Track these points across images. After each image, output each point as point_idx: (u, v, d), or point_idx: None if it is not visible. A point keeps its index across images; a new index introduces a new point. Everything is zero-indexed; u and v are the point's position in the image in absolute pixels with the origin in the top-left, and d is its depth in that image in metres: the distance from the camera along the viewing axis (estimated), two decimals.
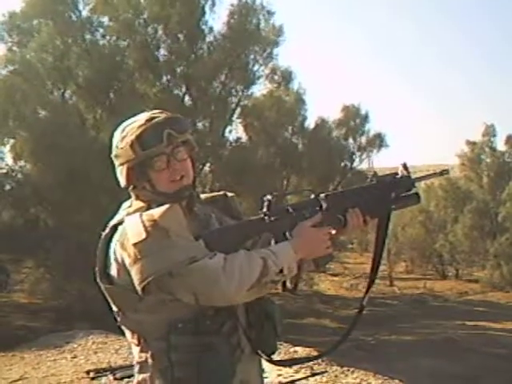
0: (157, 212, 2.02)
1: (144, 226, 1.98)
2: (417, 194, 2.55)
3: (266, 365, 2.40)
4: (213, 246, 2.09)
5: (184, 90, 17.94)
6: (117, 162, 2.20)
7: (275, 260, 2.07)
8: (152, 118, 2.23)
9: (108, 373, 7.07)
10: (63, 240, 13.83)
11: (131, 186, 2.19)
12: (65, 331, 10.08)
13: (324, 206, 2.32)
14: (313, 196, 2.36)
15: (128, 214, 2.11)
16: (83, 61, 15.76)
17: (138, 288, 1.98)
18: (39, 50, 15.24)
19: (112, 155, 2.23)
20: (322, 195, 2.34)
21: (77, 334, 9.50)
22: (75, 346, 8.83)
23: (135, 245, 1.97)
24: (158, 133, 2.16)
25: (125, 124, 2.28)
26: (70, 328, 10.34)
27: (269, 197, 2.27)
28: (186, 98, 18.08)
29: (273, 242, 2.24)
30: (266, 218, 2.24)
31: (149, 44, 17.29)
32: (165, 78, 17.82)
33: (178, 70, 17.82)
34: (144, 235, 1.96)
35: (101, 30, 17.10)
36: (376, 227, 2.49)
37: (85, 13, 16.89)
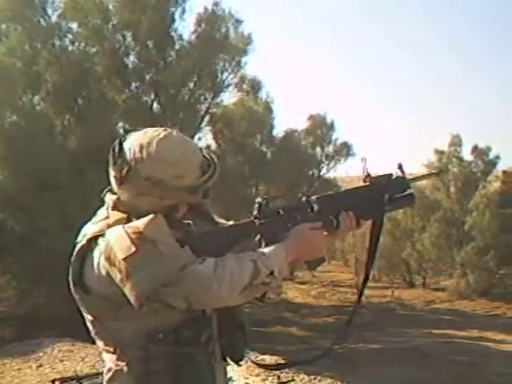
0: (141, 223, 2.02)
1: (131, 239, 1.97)
2: (411, 194, 2.54)
3: (233, 373, 2.42)
4: (202, 249, 2.10)
5: (153, 96, 17.89)
6: (150, 171, 2.10)
7: (265, 262, 2.09)
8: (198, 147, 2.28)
9: (74, 382, 7.02)
10: (30, 246, 13.70)
11: (117, 195, 2.15)
12: (30, 339, 9.96)
13: (316, 208, 2.32)
14: (304, 198, 2.36)
15: (109, 226, 2.08)
16: (52, 66, 15.65)
17: (135, 303, 1.97)
18: (8, 54, 15.10)
19: (144, 159, 2.11)
20: (314, 197, 2.35)
21: (42, 343, 9.39)
22: (41, 354, 8.73)
23: (125, 259, 1.96)
24: (213, 163, 2.21)
25: (180, 136, 2.22)
26: (36, 336, 10.21)
27: (260, 200, 2.26)
28: (155, 104, 18.03)
29: (263, 244, 2.23)
30: (256, 220, 2.23)
31: (118, 51, 17.23)
32: (134, 85, 17.77)
33: (147, 76, 17.77)
34: (133, 249, 1.96)
35: (70, 36, 17.00)
36: (370, 229, 2.50)
37: (54, 18, 16.78)
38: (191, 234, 2.17)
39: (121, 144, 2.15)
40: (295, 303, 23.66)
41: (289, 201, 2.39)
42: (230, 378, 2.46)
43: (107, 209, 2.20)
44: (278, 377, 7.04)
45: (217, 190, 2.23)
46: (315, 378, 7.23)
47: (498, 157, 28.19)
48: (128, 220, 2.09)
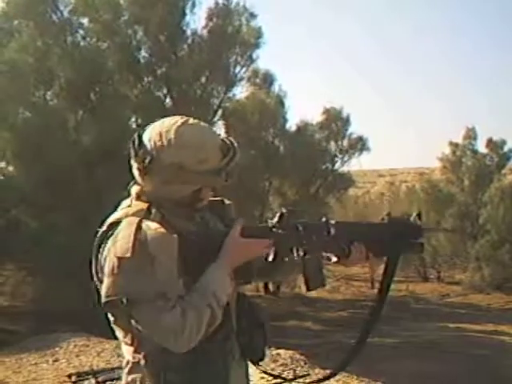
0: (152, 234, 1.99)
1: (134, 243, 1.95)
2: (422, 244, 2.55)
3: (249, 368, 2.40)
4: (211, 247, 2.11)
5: (165, 91, 17.91)
6: (170, 157, 2.10)
7: (218, 303, 2.05)
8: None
9: (90, 376, 7.04)
10: (44, 242, 13.74)
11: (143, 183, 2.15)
12: (46, 334, 10.00)
13: (332, 232, 2.31)
14: (324, 219, 2.35)
15: (126, 215, 2.08)
16: (64, 62, 15.67)
17: (102, 300, 1.95)
18: (20, 50, 15.13)
19: (162, 144, 2.11)
20: (333, 221, 2.34)
21: (58, 338, 9.43)
22: (57, 349, 8.76)
23: (118, 258, 1.95)
24: (232, 145, 2.22)
25: (198, 122, 2.24)
26: (52, 331, 10.25)
27: (284, 210, 2.26)
28: (167, 99, 18.05)
29: (272, 254, 2.22)
30: (274, 229, 2.21)
31: (129, 45, 17.25)
32: (146, 80, 17.79)
33: (159, 71, 17.79)
34: (129, 253, 1.94)
35: (81, 32, 17.03)
36: (384, 269, 2.50)
37: (66, 13, 16.80)
38: (204, 231, 2.17)
39: (140, 137, 2.15)
40: (309, 297, 23.60)
41: (308, 217, 2.38)
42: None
43: (131, 200, 2.21)
44: (294, 370, 7.04)
45: (229, 183, 2.22)
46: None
47: None
48: (148, 211, 2.08)
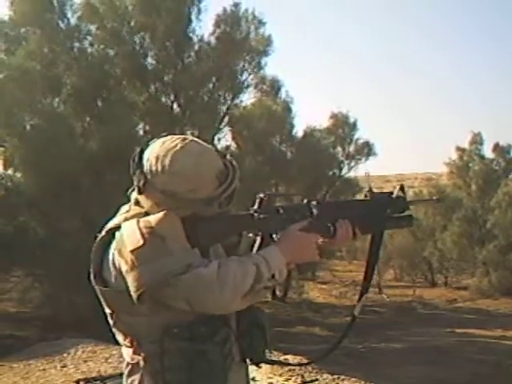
0: (154, 219, 2.04)
1: (141, 232, 2.00)
2: (410, 216, 2.56)
3: (256, 373, 2.41)
4: (199, 236, 2.10)
5: (172, 98, 17.94)
6: (173, 183, 2.11)
7: (267, 266, 2.08)
8: (222, 153, 2.25)
9: (98, 382, 7.04)
10: (52, 248, 13.78)
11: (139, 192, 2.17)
12: (54, 340, 10.02)
13: (315, 212, 2.31)
14: (305, 201, 2.35)
15: (126, 220, 2.12)
16: (71, 69, 15.74)
17: (134, 296, 1.98)
18: (28, 57, 15.19)
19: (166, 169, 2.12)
20: (314, 202, 2.34)
21: (66, 343, 9.44)
22: (65, 355, 8.77)
23: (132, 252, 1.99)
24: (232, 173, 2.20)
25: (197, 147, 2.20)
26: (60, 337, 10.27)
27: (261, 195, 2.26)
28: (174, 106, 18.07)
29: (258, 239, 2.24)
30: (255, 214, 2.23)
31: (136, 52, 17.29)
32: (153, 87, 17.82)
33: (166, 78, 17.83)
34: (141, 242, 1.98)
35: (89, 39, 17.08)
36: (369, 244, 2.51)
37: (73, 21, 16.87)
38: (194, 218, 2.16)
39: (141, 153, 2.17)
40: (317, 303, 23.65)
41: (291, 201, 2.39)
42: (253, 378, 2.45)
43: (129, 205, 2.23)
44: (302, 376, 7.04)
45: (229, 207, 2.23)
46: (338, 378, 7.21)
47: None
48: (146, 214, 2.12)
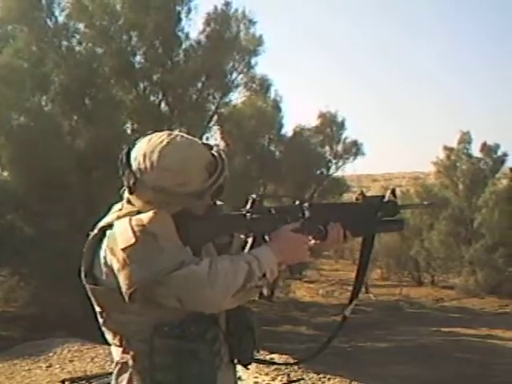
0: (146, 217, 2.05)
1: (133, 230, 2.01)
2: (402, 219, 2.59)
3: (242, 372, 2.42)
4: (191, 235, 2.11)
5: (160, 96, 17.90)
6: (158, 177, 2.11)
7: (258, 264, 2.09)
8: (209, 145, 2.28)
9: (84, 382, 7.02)
10: (39, 247, 13.73)
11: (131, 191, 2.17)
12: (40, 340, 9.98)
13: (307, 214, 2.33)
14: (297, 203, 2.37)
15: (118, 218, 2.12)
16: (59, 67, 15.69)
17: (125, 294, 1.99)
18: (15, 55, 15.13)
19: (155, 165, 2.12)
20: (306, 204, 2.36)
21: (52, 343, 9.39)
22: (50, 354, 8.73)
23: (124, 249, 2.00)
24: (221, 163, 2.20)
25: (184, 140, 2.21)
26: (45, 337, 10.23)
27: (254, 195, 2.28)
28: (163, 104, 18.04)
29: (250, 240, 2.25)
30: (247, 214, 2.24)
31: (125, 51, 17.24)
32: (141, 85, 17.78)
33: (155, 76, 17.79)
34: (133, 240, 1.99)
35: (77, 37, 17.03)
36: (360, 247, 2.54)
37: (61, 19, 16.81)
38: (186, 217, 2.16)
39: (128, 153, 2.17)
40: (304, 302, 23.66)
41: (283, 202, 2.42)
42: (240, 378, 2.46)
43: (122, 204, 2.24)
44: (288, 375, 7.04)
45: (225, 188, 2.23)
46: (324, 377, 7.22)
47: (506, 154, 28.19)
48: (138, 213, 2.12)
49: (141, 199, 2.14)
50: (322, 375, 7.28)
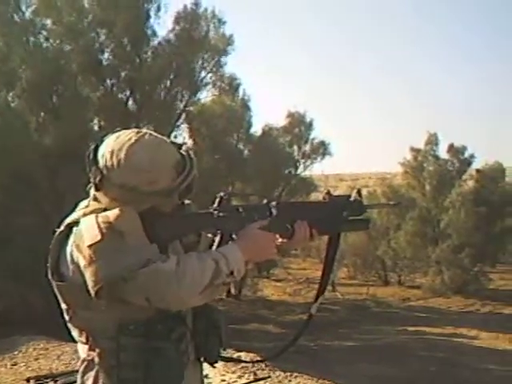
0: (112, 214, 2.03)
1: (99, 227, 2.00)
2: (367, 219, 2.61)
3: (209, 370, 2.42)
4: (158, 232, 2.11)
5: (128, 94, 17.81)
6: (125, 175, 2.10)
7: (226, 262, 2.09)
8: (178, 144, 2.27)
9: (49, 380, 6.95)
10: (4, 244, 13.59)
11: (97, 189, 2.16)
12: (4, 338, 9.87)
13: (274, 212, 2.35)
14: (265, 201, 2.38)
15: (84, 215, 2.11)
16: (26, 63, 15.54)
17: (92, 291, 1.98)
18: None
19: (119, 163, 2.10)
20: (273, 202, 2.37)
21: (17, 341, 9.29)
22: (15, 352, 8.65)
23: (90, 246, 1.98)
24: (189, 162, 2.20)
25: (152, 139, 2.19)
26: (10, 334, 10.14)
27: (222, 194, 2.29)
28: (130, 102, 17.95)
29: (217, 238, 2.25)
30: (214, 212, 2.25)
31: (93, 48, 17.12)
32: (109, 82, 17.66)
33: (123, 74, 17.69)
34: (99, 237, 1.98)
35: (44, 33, 16.87)
36: (326, 245, 2.55)
37: (28, 14, 16.64)
38: (153, 214, 2.15)
39: (96, 149, 2.16)
40: (271, 300, 23.72)
41: (250, 201, 2.43)
42: (206, 376, 2.46)
43: (88, 201, 2.22)
44: (255, 373, 7.06)
45: (191, 197, 2.24)
46: (291, 375, 7.24)
47: (473, 156, 28.52)
48: (104, 210, 2.11)
49: (107, 196, 2.13)
50: (288, 373, 7.30)
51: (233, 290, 2.36)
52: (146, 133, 2.18)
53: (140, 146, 2.12)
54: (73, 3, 16.64)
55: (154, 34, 18.00)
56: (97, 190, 2.14)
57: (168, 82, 18.24)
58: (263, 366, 7.33)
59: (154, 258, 2.00)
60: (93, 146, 2.17)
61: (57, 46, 16.82)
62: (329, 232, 2.53)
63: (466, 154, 28.50)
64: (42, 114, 16.23)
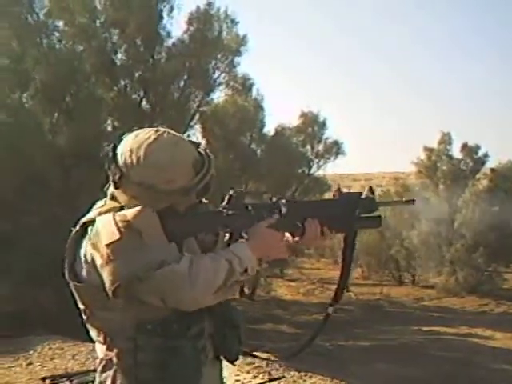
0: (130, 213, 2.04)
1: (117, 226, 2.00)
2: (379, 216, 2.57)
3: (224, 370, 2.41)
4: (168, 232, 2.10)
5: (142, 94, 17.84)
6: (145, 174, 2.12)
7: (239, 261, 2.10)
8: (196, 143, 2.28)
9: (64, 379, 6.99)
10: (18, 244, 13.63)
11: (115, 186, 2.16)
12: (20, 338, 9.91)
13: (283, 210, 2.33)
14: (274, 199, 2.37)
15: (100, 214, 2.11)
16: (40, 64, 15.58)
17: (109, 290, 1.98)
18: None
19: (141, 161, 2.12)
20: (283, 200, 2.35)
21: (32, 341, 9.34)
22: (31, 352, 8.69)
23: (108, 245, 1.99)
24: (208, 161, 2.23)
25: (171, 137, 2.21)
26: (25, 334, 10.17)
27: (231, 192, 2.28)
28: (144, 102, 17.97)
29: (227, 236, 2.26)
30: (224, 211, 2.24)
31: (106, 48, 17.16)
32: (122, 83, 17.70)
33: (136, 74, 17.72)
34: (117, 236, 1.99)
35: (57, 34, 16.92)
36: (343, 246, 2.53)
37: (42, 15, 16.69)
38: (167, 213, 2.16)
39: (115, 148, 2.17)
40: (285, 300, 23.68)
41: (260, 199, 2.41)
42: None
43: (105, 200, 2.23)
44: (269, 373, 7.06)
45: (209, 196, 2.25)
46: (305, 375, 7.23)
47: (486, 155, 28.39)
48: (121, 208, 2.12)
49: (126, 194, 2.13)
50: (303, 373, 7.29)
51: (246, 290, 2.36)
52: (164, 131, 2.20)
53: (159, 144, 2.13)
54: (85, 4, 16.67)
55: (169, 34, 18.03)
56: (116, 187, 2.15)
57: (182, 83, 18.26)
58: (277, 365, 7.33)
59: (170, 259, 2.00)
60: (112, 144, 2.19)
61: (70, 47, 16.87)
62: (341, 230, 2.50)
63: (480, 153, 28.41)
64: (56, 114, 16.26)
